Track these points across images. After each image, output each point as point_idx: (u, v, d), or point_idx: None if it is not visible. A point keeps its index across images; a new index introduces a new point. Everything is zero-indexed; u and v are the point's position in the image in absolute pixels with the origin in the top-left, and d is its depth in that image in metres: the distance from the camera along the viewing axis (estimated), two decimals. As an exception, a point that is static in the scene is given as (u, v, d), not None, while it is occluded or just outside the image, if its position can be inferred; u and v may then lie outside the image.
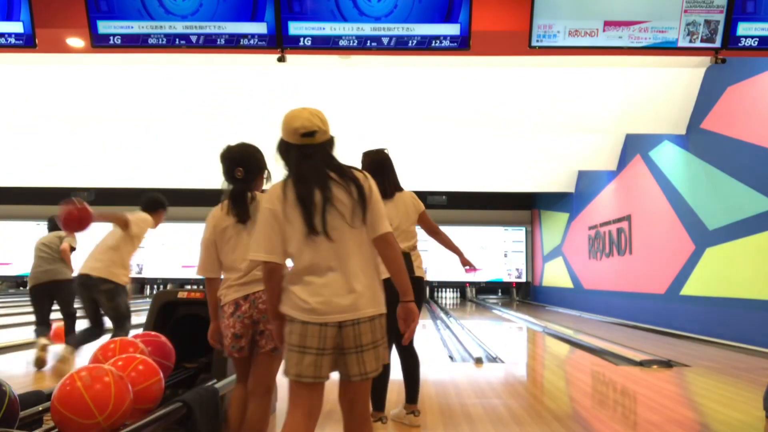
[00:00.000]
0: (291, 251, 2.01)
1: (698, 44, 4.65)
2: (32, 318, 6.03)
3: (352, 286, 1.97)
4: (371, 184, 2.08)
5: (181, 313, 3.49)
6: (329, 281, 1.97)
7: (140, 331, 3.34)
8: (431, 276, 17.30)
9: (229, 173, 2.61)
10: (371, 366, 2.01)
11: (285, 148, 2.10)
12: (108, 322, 4.93)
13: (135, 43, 4.77)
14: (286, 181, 2.07)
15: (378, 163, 3.49)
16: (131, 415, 2.16)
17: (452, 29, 4.67)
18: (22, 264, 19.59)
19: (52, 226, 6.27)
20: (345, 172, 2.06)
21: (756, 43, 4.63)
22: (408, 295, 2.05)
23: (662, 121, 9.02)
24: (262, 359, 2.55)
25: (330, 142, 2.12)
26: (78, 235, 5.45)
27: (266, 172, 2.68)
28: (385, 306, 2.06)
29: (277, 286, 2.04)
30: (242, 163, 2.60)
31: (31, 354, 5.68)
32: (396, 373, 3.59)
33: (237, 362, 2.63)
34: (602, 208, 12.62)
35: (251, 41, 4.73)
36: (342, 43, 4.70)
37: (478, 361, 5.98)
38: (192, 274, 18.89)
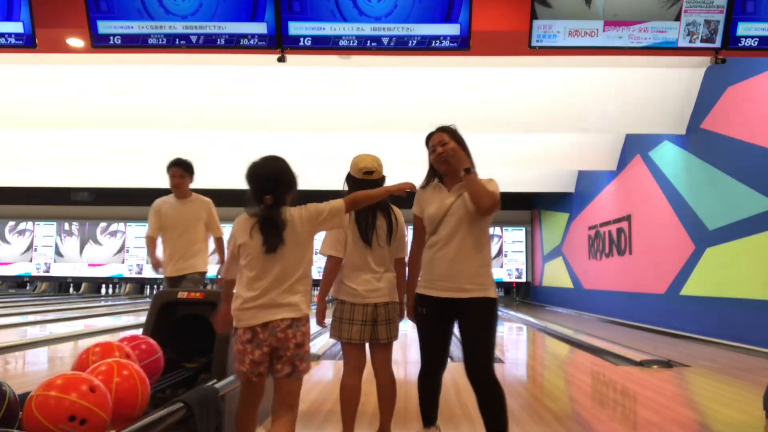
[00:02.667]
0: (342, 254, 2.98)
1: (698, 44, 4.65)
2: (32, 318, 6.02)
3: (380, 283, 3.00)
4: (399, 219, 3.08)
5: (181, 313, 3.49)
6: (368, 278, 2.97)
7: (140, 331, 3.34)
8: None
9: (257, 197, 2.43)
10: (394, 333, 3.05)
11: (351, 181, 3.04)
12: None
13: (135, 43, 4.77)
14: None
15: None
16: (114, 423, 2.14)
17: (452, 29, 4.67)
18: (22, 264, 19.59)
19: None
20: (386, 205, 3.04)
21: (756, 43, 4.63)
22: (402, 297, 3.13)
23: (662, 121, 9.02)
24: (283, 383, 2.47)
25: (382, 180, 3.04)
26: None
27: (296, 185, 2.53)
28: (398, 297, 3.09)
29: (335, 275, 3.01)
30: (273, 188, 2.43)
31: (30, 354, 5.68)
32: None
33: (248, 384, 2.53)
34: (602, 208, 12.62)
35: (251, 41, 4.73)
36: (342, 43, 4.70)
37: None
38: (192, 274, 18.86)
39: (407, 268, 3.07)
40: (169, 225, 4.93)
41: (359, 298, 2.95)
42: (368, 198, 2.66)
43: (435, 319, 2.84)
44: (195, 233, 4.97)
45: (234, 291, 2.49)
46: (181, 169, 5.04)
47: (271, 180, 2.44)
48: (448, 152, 2.82)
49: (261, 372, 2.43)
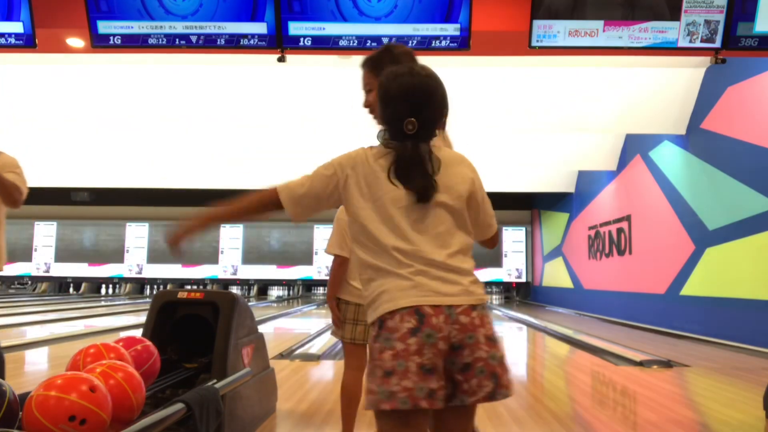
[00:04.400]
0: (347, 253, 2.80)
1: (698, 44, 4.66)
2: (31, 318, 6.02)
3: None
4: None
5: (181, 313, 3.49)
6: None
7: (140, 331, 3.34)
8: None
9: (393, 121, 1.62)
10: None
11: None
12: None
13: (135, 43, 4.77)
14: None
15: None
16: (111, 425, 2.13)
17: (452, 29, 4.67)
18: (23, 264, 19.59)
19: None
20: None
21: (756, 43, 4.63)
22: None
23: (662, 121, 9.02)
24: (462, 413, 1.55)
25: None
26: None
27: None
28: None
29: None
30: (422, 107, 1.60)
31: (30, 354, 5.68)
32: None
33: (405, 426, 1.48)
34: (602, 208, 12.62)
35: (251, 41, 4.73)
36: (342, 43, 4.70)
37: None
38: (192, 274, 18.89)
39: None
40: None
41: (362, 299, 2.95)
42: None
43: None
44: None
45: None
46: None
47: (425, 95, 1.62)
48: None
49: (433, 389, 1.44)
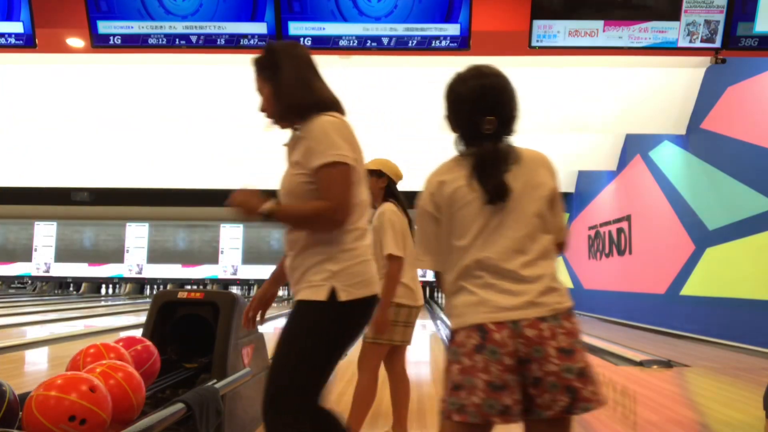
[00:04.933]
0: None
1: (698, 44, 4.66)
2: (31, 318, 6.02)
3: None
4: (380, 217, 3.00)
5: (181, 313, 3.49)
6: None
7: (140, 331, 3.34)
8: (430, 275, 17.30)
9: (469, 123, 1.60)
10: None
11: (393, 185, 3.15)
12: None
13: (135, 43, 4.77)
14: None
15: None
16: (111, 425, 2.13)
17: (452, 29, 4.67)
18: (22, 264, 19.59)
19: None
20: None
21: (756, 43, 4.63)
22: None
23: (662, 121, 9.02)
24: (553, 425, 1.49)
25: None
26: None
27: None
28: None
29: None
30: (498, 106, 1.60)
31: (30, 354, 5.68)
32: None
33: None
34: (602, 208, 12.61)
35: (251, 41, 4.73)
36: (342, 43, 4.70)
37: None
38: (192, 274, 18.89)
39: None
40: None
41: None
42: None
43: None
44: None
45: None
46: None
47: (501, 95, 1.62)
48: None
49: (508, 405, 1.42)
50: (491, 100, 1.59)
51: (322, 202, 1.75)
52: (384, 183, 3.11)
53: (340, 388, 4.66)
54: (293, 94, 1.88)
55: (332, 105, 1.89)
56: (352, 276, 1.80)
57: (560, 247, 1.66)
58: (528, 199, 1.54)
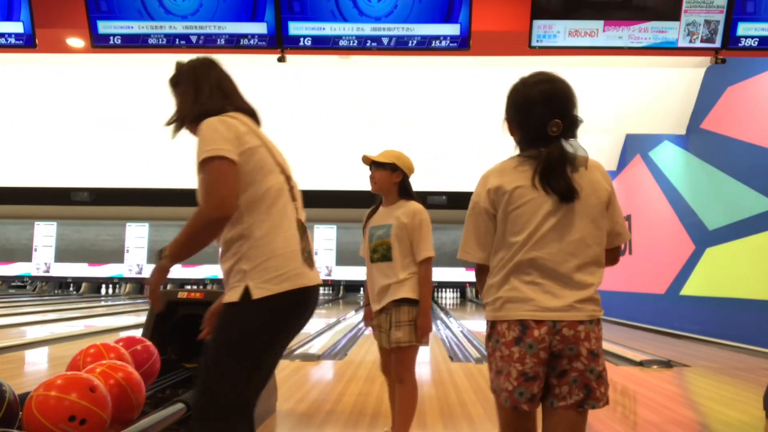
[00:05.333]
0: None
1: (698, 44, 4.65)
2: (31, 318, 6.02)
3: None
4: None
5: (181, 313, 3.49)
6: None
7: (140, 331, 3.34)
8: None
9: (535, 126, 1.66)
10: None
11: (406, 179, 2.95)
12: None
13: (135, 43, 4.77)
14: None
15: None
16: (111, 425, 2.13)
17: (452, 29, 4.67)
18: (23, 264, 19.59)
19: None
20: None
21: (756, 43, 4.63)
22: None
23: (662, 121, 9.02)
24: (566, 416, 1.61)
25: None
26: None
27: None
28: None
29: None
30: (565, 109, 1.66)
31: (30, 354, 5.68)
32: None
33: (513, 417, 1.65)
34: (602, 208, 12.61)
35: (251, 41, 4.73)
36: (342, 43, 4.70)
37: (479, 361, 5.98)
38: (192, 274, 18.89)
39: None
40: None
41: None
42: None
43: None
44: None
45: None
46: None
47: (569, 97, 1.68)
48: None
49: (534, 394, 1.59)
50: (558, 103, 1.65)
51: (197, 208, 1.75)
52: (398, 178, 2.91)
53: (340, 388, 4.67)
54: (182, 109, 2.00)
55: (221, 113, 1.90)
56: (267, 272, 1.76)
57: (614, 253, 1.74)
58: (587, 203, 1.62)
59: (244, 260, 1.77)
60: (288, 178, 1.96)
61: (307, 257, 1.88)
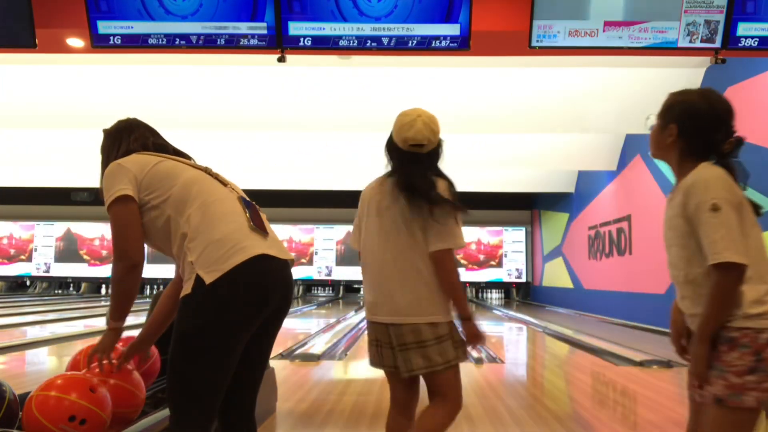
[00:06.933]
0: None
1: (698, 44, 4.65)
2: (31, 318, 6.02)
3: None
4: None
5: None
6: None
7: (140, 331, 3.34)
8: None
9: (719, 142, 1.82)
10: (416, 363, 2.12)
11: (395, 151, 2.23)
12: None
13: (135, 43, 4.77)
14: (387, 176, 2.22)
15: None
16: (111, 425, 2.13)
17: (452, 29, 4.67)
18: (23, 264, 19.59)
19: None
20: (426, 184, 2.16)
21: (756, 43, 4.63)
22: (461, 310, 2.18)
23: (662, 121, 9.01)
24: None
25: (437, 152, 2.23)
26: None
27: None
28: (439, 315, 2.13)
29: None
30: (733, 131, 1.84)
31: (30, 354, 5.68)
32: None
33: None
34: (602, 208, 12.61)
35: (251, 41, 4.72)
36: (342, 43, 4.70)
37: (478, 361, 5.99)
38: (192, 274, 18.88)
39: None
40: None
41: (369, 312, 2.26)
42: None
43: None
44: None
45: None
46: None
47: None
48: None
49: None
50: (732, 123, 1.82)
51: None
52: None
53: (340, 388, 4.67)
54: (103, 167, 2.07)
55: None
56: (212, 254, 1.77)
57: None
58: None
59: (189, 253, 1.81)
60: (206, 170, 2.05)
61: (255, 228, 1.86)
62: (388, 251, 2.12)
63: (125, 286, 1.90)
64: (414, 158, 2.16)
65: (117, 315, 1.96)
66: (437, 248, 2.08)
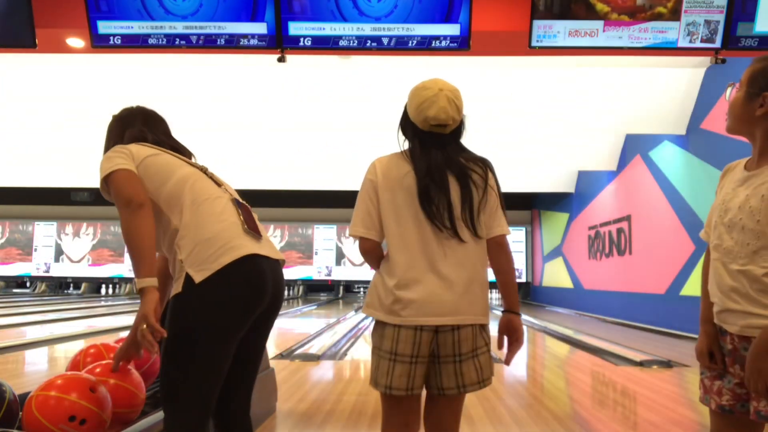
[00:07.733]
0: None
1: (698, 44, 4.65)
2: (31, 318, 6.02)
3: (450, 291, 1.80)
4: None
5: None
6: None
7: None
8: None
9: None
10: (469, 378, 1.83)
11: (411, 129, 1.89)
12: None
13: (135, 43, 4.77)
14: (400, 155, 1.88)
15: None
16: (111, 425, 2.13)
17: (452, 29, 4.67)
18: (23, 264, 19.59)
19: None
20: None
21: (756, 43, 4.63)
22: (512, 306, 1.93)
23: (662, 121, 9.02)
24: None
25: (459, 130, 1.92)
26: None
27: None
28: (488, 316, 1.89)
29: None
30: None
31: (30, 354, 5.68)
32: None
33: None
34: (602, 208, 12.61)
35: (251, 41, 4.73)
36: (342, 43, 4.70)
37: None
38: (192, 274, 18.88)
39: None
40: None
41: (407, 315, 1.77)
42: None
43: None
44: None
45: None
46: None
47: None
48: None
49: None
50: None
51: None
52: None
53: (340, 388, 4.67)
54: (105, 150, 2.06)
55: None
56: (202, 253, 1.75)
57: None
58: None
59: (179, 251, 1.79)
60: (203, 169, 2.03)
61: (248, 230, 1.85)
62: (433, 240, 1.78)
63: (139, 231, 1.73)
64: (438, 141, 1.84)
65: (143, 269, 1.72)
66: (499, 233, 1.86)
